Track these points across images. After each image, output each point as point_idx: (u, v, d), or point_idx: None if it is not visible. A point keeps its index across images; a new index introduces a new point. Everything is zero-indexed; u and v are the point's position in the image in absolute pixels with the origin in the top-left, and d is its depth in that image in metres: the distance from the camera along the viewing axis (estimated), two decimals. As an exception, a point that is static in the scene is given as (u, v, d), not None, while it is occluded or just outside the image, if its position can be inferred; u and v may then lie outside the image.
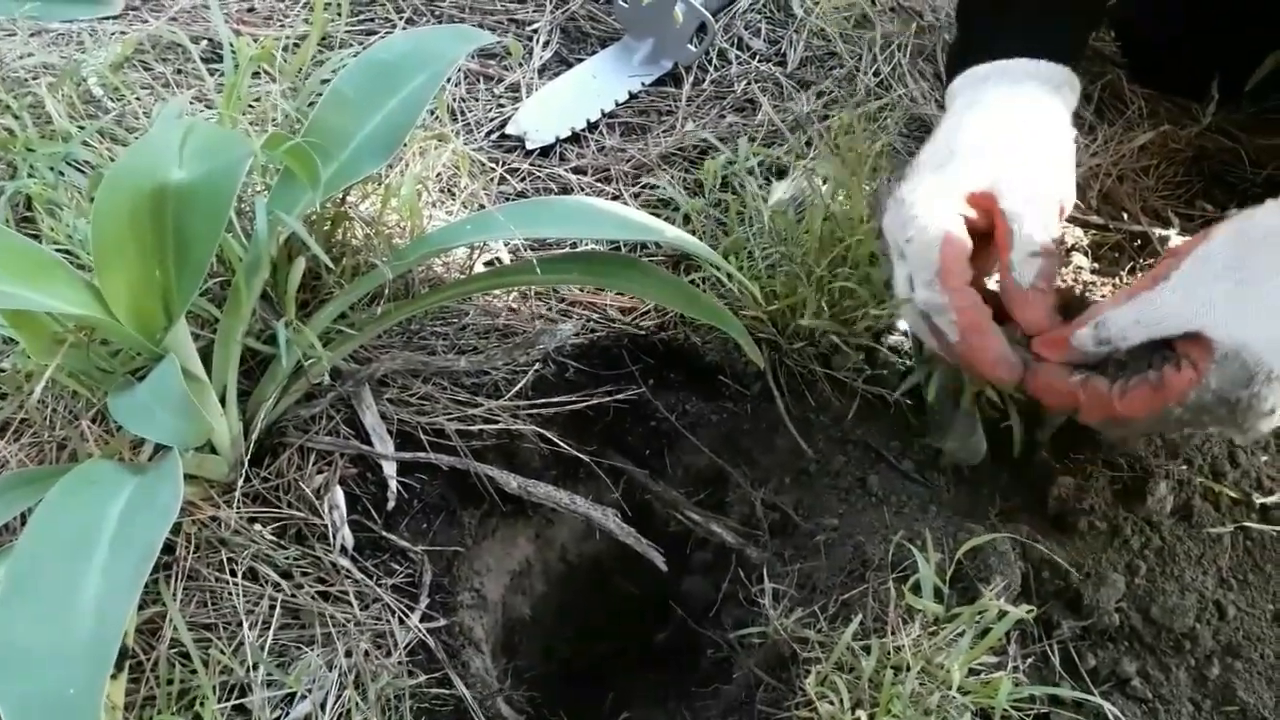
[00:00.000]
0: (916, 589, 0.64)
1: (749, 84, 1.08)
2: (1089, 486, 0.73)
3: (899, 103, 1.05)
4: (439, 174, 0.86)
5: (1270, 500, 0.73)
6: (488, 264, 0.84)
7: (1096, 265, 0.93)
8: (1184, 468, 0.74)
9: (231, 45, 0.77)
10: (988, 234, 0.70)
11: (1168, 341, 0.62)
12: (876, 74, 1.08)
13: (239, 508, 0.68)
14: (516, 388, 0.76)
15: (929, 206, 0.68)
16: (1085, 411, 0.65)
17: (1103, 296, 0.88)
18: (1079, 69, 0.78)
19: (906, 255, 0.69)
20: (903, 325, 0.85)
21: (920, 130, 1.04)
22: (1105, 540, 0.71)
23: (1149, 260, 0.95)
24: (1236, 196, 1.04)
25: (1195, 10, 1.07)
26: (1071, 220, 0.97)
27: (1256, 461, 0.76)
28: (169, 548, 0.66)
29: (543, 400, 0.77)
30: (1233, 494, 0.73)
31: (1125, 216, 0.99)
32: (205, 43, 0.98)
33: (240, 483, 0.69)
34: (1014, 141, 0.71)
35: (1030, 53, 0.76)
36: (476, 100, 1.04)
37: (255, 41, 0.79)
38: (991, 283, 0.74)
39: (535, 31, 1.12)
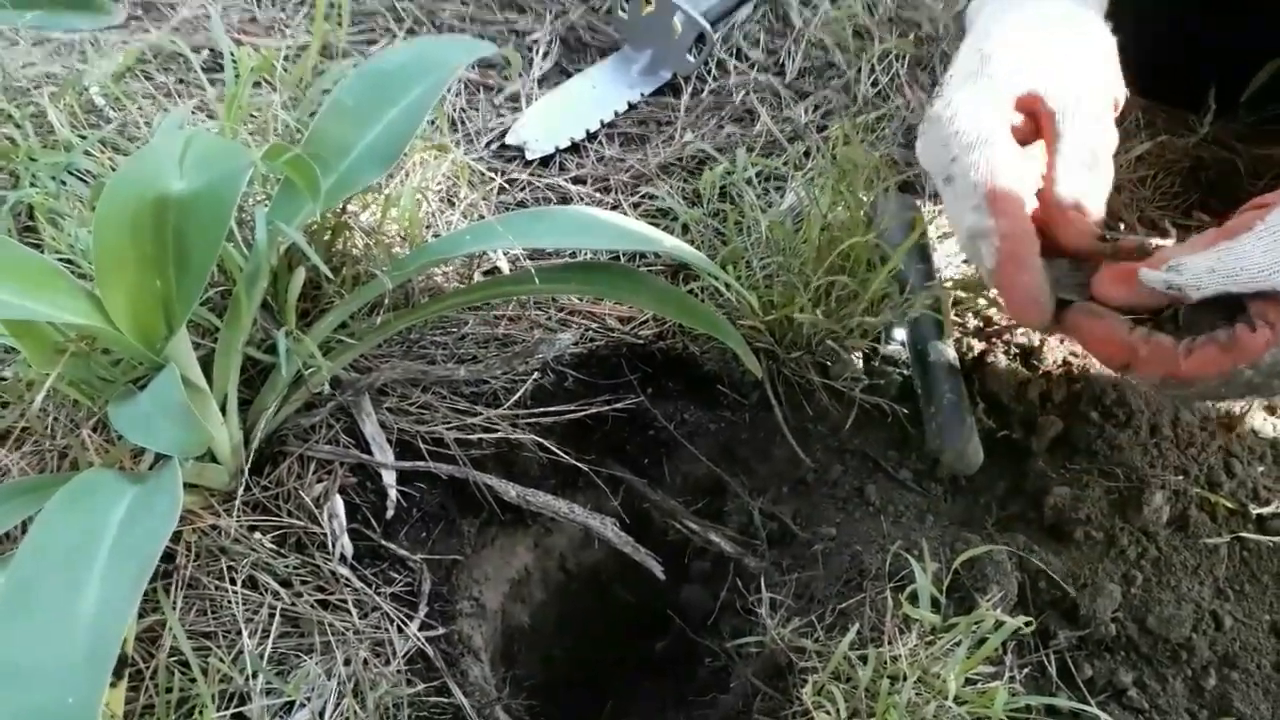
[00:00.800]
0: (913, 599, 0.65)
1: (747, 94, 1.08)
2: (1085, 496, 0.73)
3: (897, 113, 1.06)
4: (439, 184, 0.86)
5: (1267, 511, 0.73)
6: (487, 273, 0.85)
7: (1094, 275, 0.93)
8: (1180, 478, 0.74)
9: (233, 55, 0.77)
10: (1030, 139, 0.65)
11: (1239, 300, 0.56)
12: (875, 84, 1.08)
13: (239, 516, 0.68)
14: (515, 396, 0.76)
15: (971, 119, 0.62)
16: (1144, 366, 0.58)
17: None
18: None
19: (953, 177, 0.62)
20: (899, 334, 0.85)
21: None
22: (1102, 550, 0.71)
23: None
24: (1234, 207, 1.05)
25: (1190, 20, 1.07)
26: (1069, 230, 0.97)
27: (1253, 472, 0.76)
28: (169, 556, 0.66)
29: (541, 409, 0.77)
30: (1229, 504, 0.73)
31: (1122, 227, 0.99)
32: (207, 52, 0.99)
33: (240, 491, 0.69)
34: (1051, 38, 0.65)
35: None
36: (476, 110, 1.05)
37: (256, 51, 0.79)
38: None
39: (535, 42, 1.13)
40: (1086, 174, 0.61)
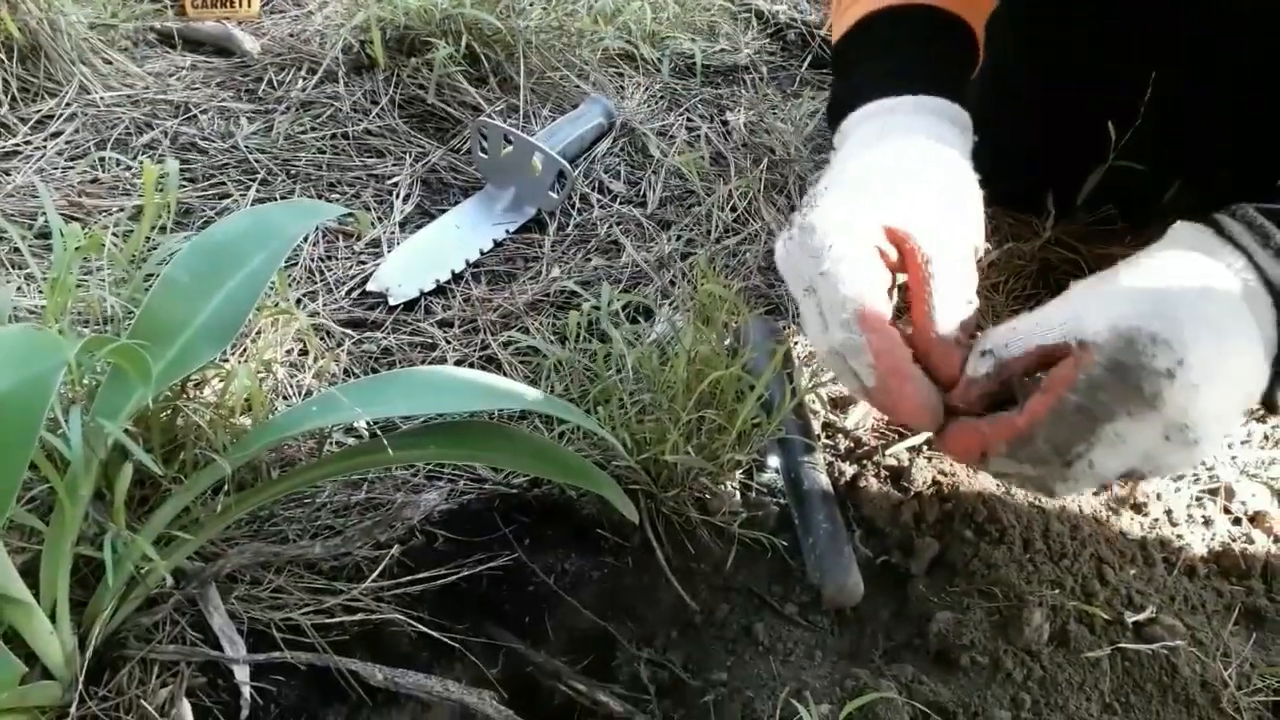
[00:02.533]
0: (805, 751, 0.62)
1: (611, 226, 1.09)
2: (967, 620, 0.72)
3: (757, 236, 1.08)
4: (288, 348, 0.83)
5: (1142, 617, 0.74)
6: (349, 430, 0.81)
7: (958, 385, 0.95)
8: (1056, 591, 0.74)
9: (61, 232, 0.74)
10: (894, 275, 0.65)
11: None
12: (733, 210, 1.11)
13: (74, 735, 0.62)
14: (380, 568, 0.72)
15: (845, 233, 0.62)
16: (992, 440, 0.59)
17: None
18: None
19: (818, 290, 0.62)
20: (774, 461, 0.85)
21: (780, 262, 1.06)
22: (989, 675, 0.70)
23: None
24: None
25: (1024, 129, 1.14)
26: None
27: (1125, 577, 0.77)
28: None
29: (409, 578, 0.73)
30: (1105, 615, 0.73)
31: (978, 334, 1.02)
32: (42, 219, 0.95)
33: (75, 705, 0.63)
34: (924, 178, 0.66)
35: (925, 90, 0.73)
36: (336, 259, 1.03)
37: (85, 227, 0.76)
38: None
39: (395, 185, 1.12)
40: (958, 310, 0.62)
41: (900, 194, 0.64)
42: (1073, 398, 0.55)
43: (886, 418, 0.91)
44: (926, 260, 0.62)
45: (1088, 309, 0.56)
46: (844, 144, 0.74)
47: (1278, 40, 0.91)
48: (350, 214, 0.77)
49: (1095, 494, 0.85)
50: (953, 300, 0.62)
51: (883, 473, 0.84)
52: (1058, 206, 1.14)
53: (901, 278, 0.66)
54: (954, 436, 0.61)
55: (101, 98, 1.15)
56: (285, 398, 0.82)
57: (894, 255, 0.64)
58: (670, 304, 0.98)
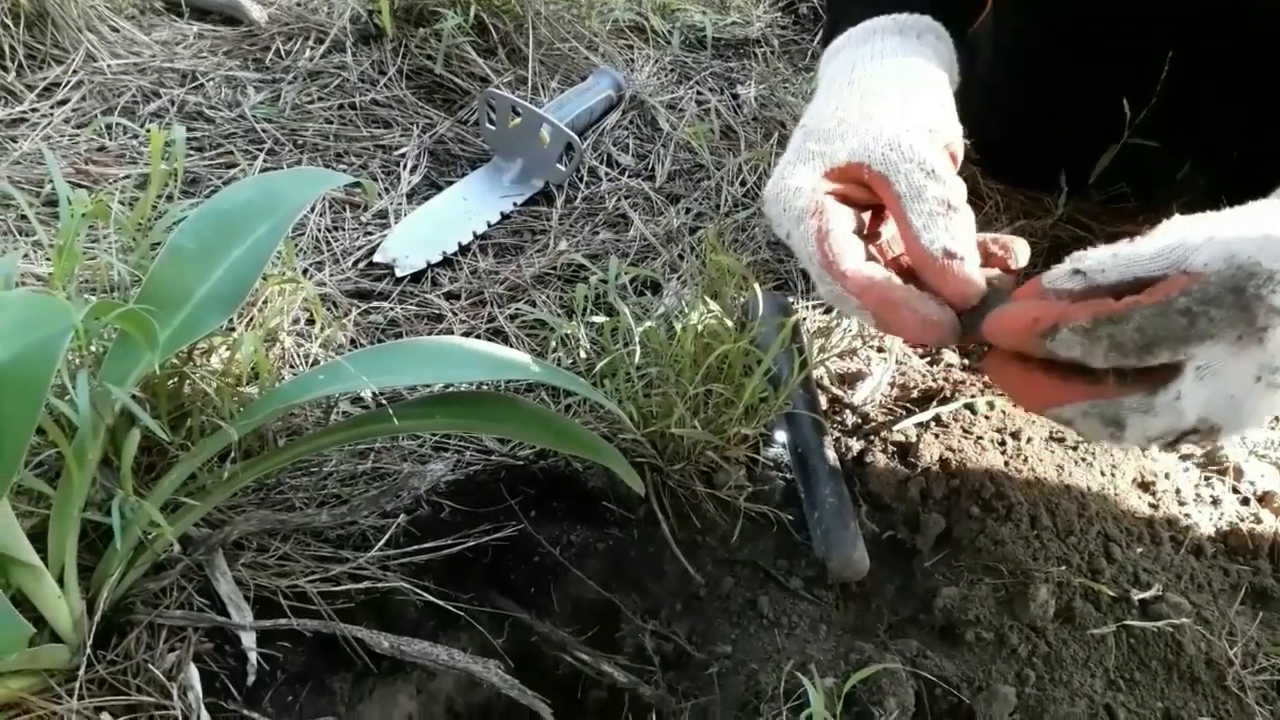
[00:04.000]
0: (810, 722, 0.62)
1: (619, 200, 1.09)
2: (972, 595, 0.72)
3: (767, 211, 1.07)
4: (295, 316, 0.83)
5: (1148, 595, 0.74)
6: (355, 400, 0.81)
7: (965, 361, 0.95)
8: (1062, 568, 0.74)
9: (69, 199, 0.73)
10: (877, 208, 0.63)
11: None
12: (743, 184, 1.10)
13: (82, 698, 0.62)
14: (386, 536, 0.72)
15: (796, 194, 0.61)
16: (1072, 315, 0.51)
17: (973, 397, 0.90)
18: (954, 37, 0.72)
19: (794, 251, 0.61)
20: (780, 436, 0.85)
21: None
22: (993, 650, 0.70)
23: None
24: (1093, 283, 1.09)
25: (1038, 106, 1.13)
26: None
27: (1132, 555, 0.77)
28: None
29: (415, 547, 0.73)
30: (1111, 592, 0.73)
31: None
32: (50, 187, 0.94)
33: (84, 669, 0.63)
34: (873, 95, 0.63)
35: (877, 11, 0.70)
36: (343, 229, 1.03)
37: (91, 194, 0.76)
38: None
39: (403, 156, 1.12)
40: (942, 221, 0.57)
41: (848, 131, 0.61)
42: (1182, 299, 0.50)
43: (895, 395, 0.91)
44: (885, 178, 0.59)
45: (1196, 241, 0.51)
46: (820, 82, 0.72)
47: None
48: (357, 183, 0.76)
49: (1166, 448, 0.80)
50: (930, 210, 0.57)
51: (890, 448, 0.84)
52: (1070, 184, 1.13)
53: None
54: (1014, 314, 0.54)
55: (108, 65, 1.15)
56: (292, 366, 0.82)
57: (857, 191, 0.61)
58: (678, 278, 0.97)
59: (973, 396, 0.89)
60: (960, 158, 0.64)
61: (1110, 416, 0.53)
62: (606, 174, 1.12)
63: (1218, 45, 1.00)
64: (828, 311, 0.98)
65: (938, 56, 0.68)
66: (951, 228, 0.57)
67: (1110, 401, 0.53)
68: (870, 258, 0.60)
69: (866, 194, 0.61)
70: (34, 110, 1.07)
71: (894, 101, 0.63)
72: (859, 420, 0.88)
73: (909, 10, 0.70)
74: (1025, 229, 1.10)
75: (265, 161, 1.07)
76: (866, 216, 0.65)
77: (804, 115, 0.67)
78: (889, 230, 0.64)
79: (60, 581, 0.62)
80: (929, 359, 0.95)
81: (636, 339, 0.85)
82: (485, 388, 0.86)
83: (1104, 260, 0.53)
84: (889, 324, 0.58)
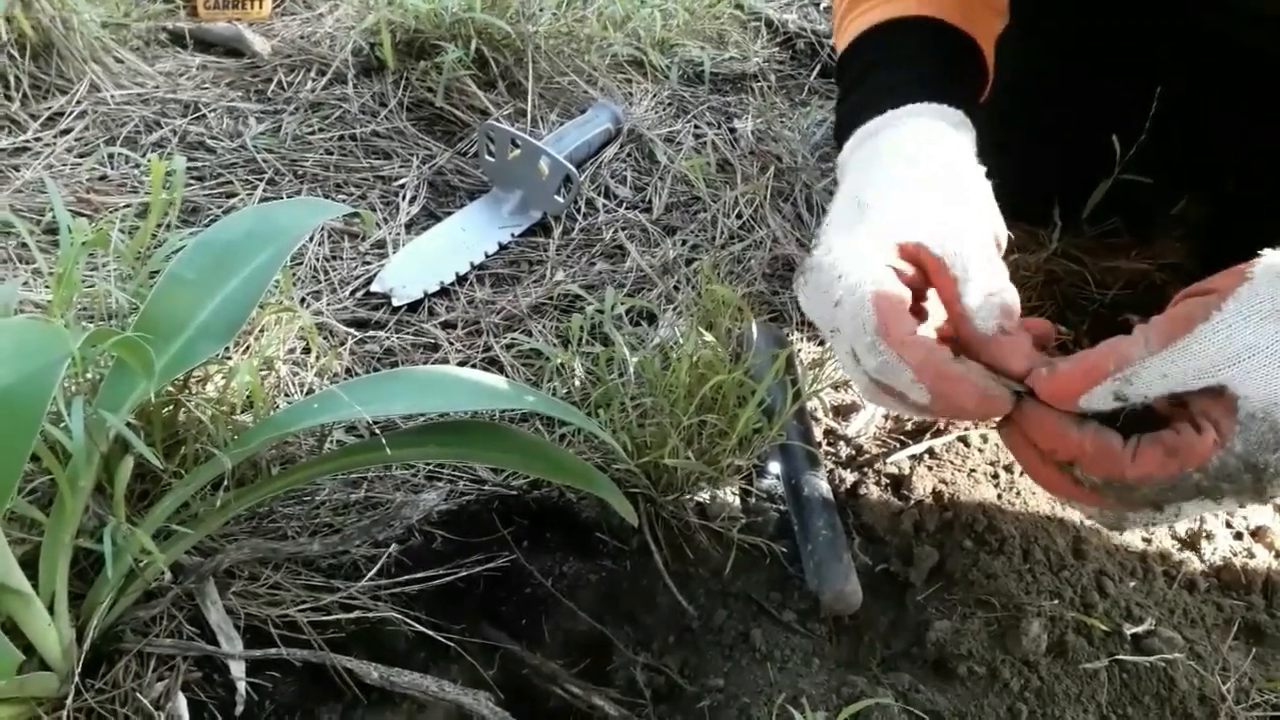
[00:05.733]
0: (800, 758, 0.62)
1: (616, 231, 1.10)
2: (965, 629, 0.72)
3: (762, 243, 1.08)
4: (291, 345, 0.83)
5: (1141, 629, 0.74)
6: (349, 429, 0.82)
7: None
8: (1055, 602, 0.74)
9: (69, 228, 0.74)
10: (920, 291, 0.62)
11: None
12: (739, 216, 1.11)
13: (69, 727, 0.62)
14: (377, 566, 0.72)
15: (854, 263, 0.60)
16: (1088, 465, 0.55)
17: (966, 429, 0.90)
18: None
19: (840, 325, 0.60)
20: (774, 468, 0.85)
21: (785, 269, 1.07)
22: (986, 685, 0.70)
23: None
24: (1088, 318, 1.09)
25: (1033, 140, 1.14)
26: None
27: (1125, 589, 0.77)
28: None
29: (407, 577, 0.73)
30: (1104, 626, 0.73)
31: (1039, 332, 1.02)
32: (50, 215, 0.95)
33: (72, 697, 0.63)
34: (929, 186, 0.64)
35: (922, 98, 0.71)
36: (341, 259, 1.03)
37: (91, 222, 0.76)
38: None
39: (402, 187, 1.13)
40: (995, 302, 0.58)
41: (909, 210, 0.62)
42: (1195, 477, 0.52)
43: (889, 427, 0.91)
44: (944, 263, 0.59)
45: (1254, 360, 0.50)
46: (845, 169, 0.73)
47: (1276, 50, 0.91)
48: (355, 213, 0.77)
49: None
50: (984, 291, 0.58)
51: (883, 480, 0.84)
52: (1064, 219, 1.14)
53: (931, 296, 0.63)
54: (1050, 430, 0.56)
55: (112, 96, 1.16)
56: (287, 395, 0.82)
57: (910, 271, 0.62)
58: (674, 309, 0.98)
59: (966, 429, 0.89)
60: (1004, 246, 0.65)
61: (1114, 521, 0.57)
62: (604, 205, 1.13)
63: (1207, 81, 1.01)
64: (821, 343, 0.98)
65: (971, 141, 0.70)
66: (1004, 310, 0.58)
67: (1116, 513, 0.56)
68: None
69: (918, 277, 0.61)
70: (37, 139, 1.08)
71: (952, 187, 0.64)
72: (853, 452, 0.88)
73: (947, 102, 0.71)
74: (1019, 263, 1.10)
75: (265, 191, 1.08)
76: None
77: (852, 185, 0.68)
78: (928, 320, 0.64)
79: (50, 609, 0.62)
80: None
81: (631, 369, 0.85)
82: (480, 417, 0.86)
83: (1152, 384, 0.52)
84: (947, 395, 0.57)
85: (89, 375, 0.69)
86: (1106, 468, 0.54)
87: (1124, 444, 0.54)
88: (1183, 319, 0.53)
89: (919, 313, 0.62)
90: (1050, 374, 0.55)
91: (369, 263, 1.03)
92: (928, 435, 0.89)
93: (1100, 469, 0.54)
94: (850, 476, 0.85)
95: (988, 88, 0.84)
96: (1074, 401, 0.54)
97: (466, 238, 1.08)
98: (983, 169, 0.68)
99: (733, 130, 1.27)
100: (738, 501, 0.83)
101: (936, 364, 0.57)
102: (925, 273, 0.61)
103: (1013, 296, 0.59)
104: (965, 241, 0.60)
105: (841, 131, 0.76)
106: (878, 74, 0.77)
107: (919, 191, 0.64)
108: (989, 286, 0.59)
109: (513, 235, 1.10)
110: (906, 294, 0.60)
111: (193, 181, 1.07)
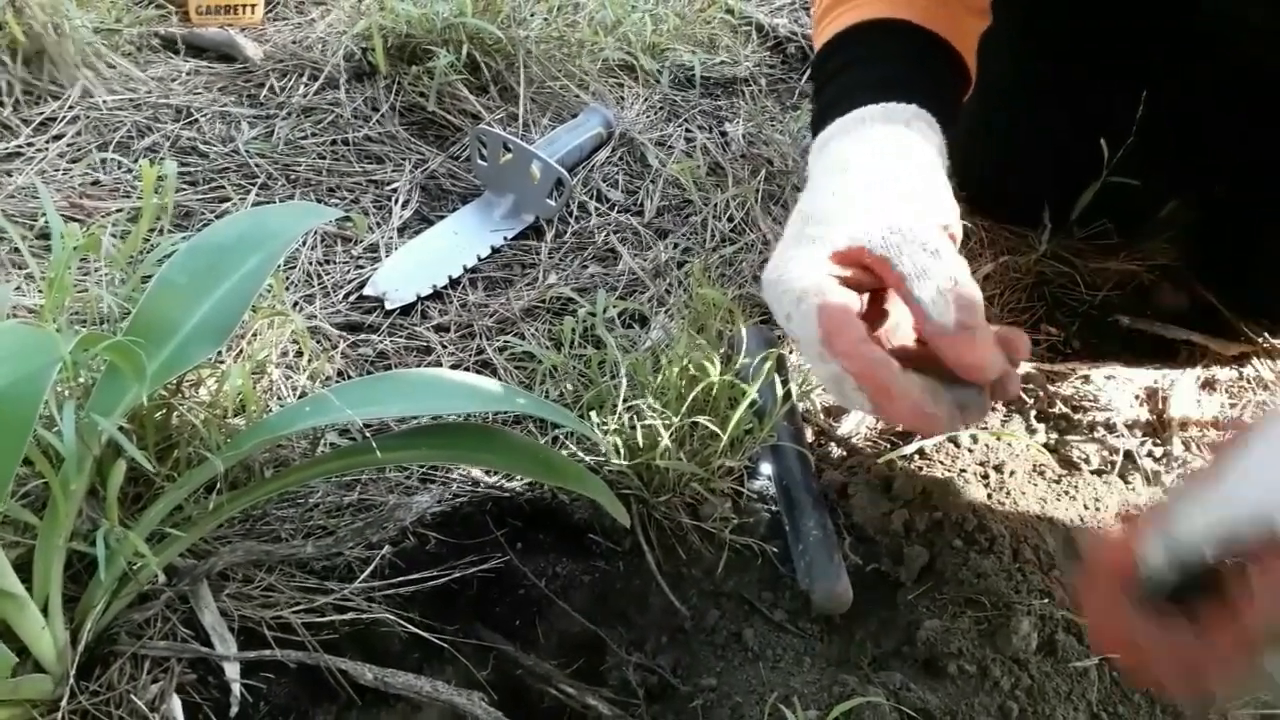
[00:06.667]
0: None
1: (608, 234, 1.10)
2: (955, 628, 0.73)
3: (753, 246, 1.08)
4: (283, 349, 0.84)
5: (1129, 627, 0.74)
6: (343, 432, 0.82)
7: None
8: (1045, 601, 0.75)
9: (61, 233, 0.74)
10: (880, 293, 0.62)
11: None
12: (730, 219, 1.12)
13: (63, 729, 0.62)
14: (370, 568, 0.73)
15: (797, 277, 0.60)
16: (1159, 663, 0.49)
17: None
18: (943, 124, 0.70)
19: (794, 334, 0.60)
20: (766, 469, 0.85)
21: (776, 272, 1.07)
22: (976, 683, 0.71)
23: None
24: (1078, 319, 1.10)
25: (1023, 143, 1.15)
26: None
27: (1113, 587, 0.78)
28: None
29: (401, 579, 0.73)
30: (1093, 624, 0.74)
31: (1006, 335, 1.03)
32: (43, 220, 0.95)
33: (66, 699, 0.63)
34: (867, 184, 0.63)
35: (868, 101, 0.69)
36: (334, 263, 1.04)
37: (83, 226, 0.77)
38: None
39: (394, 191, 1.13)
40: (950, 296, 0.56)
41: (841, 215, 0.61)
42: (1268, 667, 0.46)
43: (879, 427, 0.92)
44: (887, 261, 0.58)
45: None
46: (812, 170, 0.71)
47: (1268, 58, 0.92)
48: (348, 217, 0.77)
49: None
50: (936, 286, 0.57)
51: (874, 481, 0.85)
52: (1054, 221, 1.14)
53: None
54: (1112, 634, 0.51)
55: (104, 101, 1.16)
56: (280, 399, 0.83)
57: (858, 275, 0.60)
58: (665, 311, 0.98)
59: (956, 430, 0.90)
60: (959, 238, 0.64)
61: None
62: (596, 209, 1.14)
63: (1213, 70, 1.01)
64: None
65: (926, 140, 0.68)
66: (961, 303, 0.56)
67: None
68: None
69: (868, 278, 0.61)
70: (29, 145, 1.08)
71: (890, 185, 0.63)
72: (844, 453, 0.88)
73: (897, 100, 0.69)
74: (1009, 265, 1.11)
75: (258, 196, 1.08)
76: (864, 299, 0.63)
77: (801, 202, 0.67)
78: (889, 320, 0.64)
79: (44, 612, 0.62)
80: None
81: (623, 371, 0.86)
82: (472, 420, 0.87)
83: (1201, 541, 0.48)
84: (885, 410, 0.57)
85: (81, 379, 0.69)
86: (1174, 660, 0.48)
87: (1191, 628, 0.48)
88: (1207, 474, 0.49)
89: (880, 315, 0.62)
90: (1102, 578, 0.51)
91: (362, 266, 1.04)
92: (918, 436, 0.89)
93: (1169, 661, 0.48)
94: (841, 477, 0.85)
95: (969, 87, 0.83)
96: (1131, 581, 0.49)
97: (459, 241, 1.08)
98: (937, 160, 0.66)
99: (724, 134, 1.28)
100: (729, 502, 0.83)
101: (876, 377, 0.56)
102: (874, 274, 0.60)
103: (971, 291, 0.57)
104: (908, 237, 0.58)
105: (815, 125, 0.75)
106: (836, 81, 0.76)
107: (860, 194, 0.62)
108: (942, 280, 0.57)
109: (505, 239, 1.10)
110: (853, 300, 0.60)
111: (185, 186, 1.07)
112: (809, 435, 0.89)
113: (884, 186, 0.63)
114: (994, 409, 0.95)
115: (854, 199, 0.62)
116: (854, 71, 0.75)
